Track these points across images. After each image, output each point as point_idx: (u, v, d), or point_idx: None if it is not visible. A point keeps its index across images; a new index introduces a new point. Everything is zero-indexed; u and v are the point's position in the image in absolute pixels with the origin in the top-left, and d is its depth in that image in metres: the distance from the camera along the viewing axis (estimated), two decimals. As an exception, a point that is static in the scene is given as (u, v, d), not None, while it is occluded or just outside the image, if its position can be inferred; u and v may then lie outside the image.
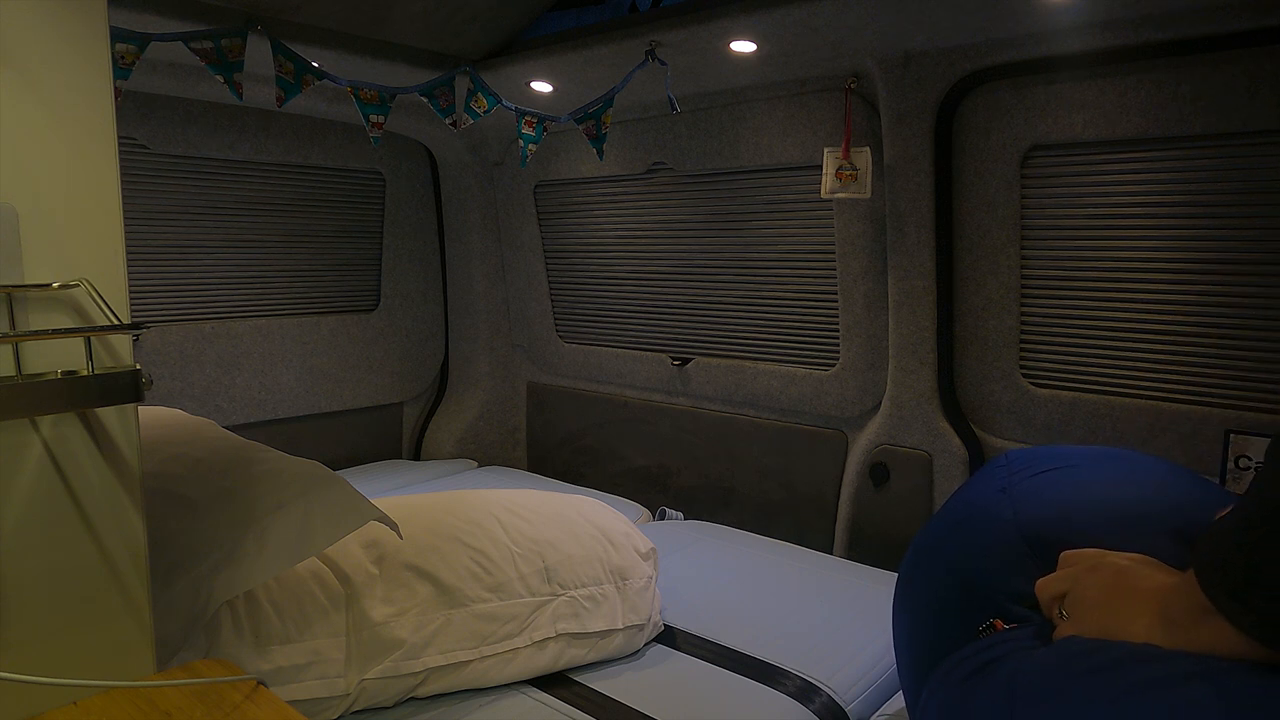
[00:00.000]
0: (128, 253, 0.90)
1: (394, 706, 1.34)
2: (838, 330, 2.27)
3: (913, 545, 1.14)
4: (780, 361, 2.43)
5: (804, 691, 1.44)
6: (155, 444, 1.50)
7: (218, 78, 1.79)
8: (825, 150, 2.04)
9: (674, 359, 2.65)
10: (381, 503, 1.49)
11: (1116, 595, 0.74)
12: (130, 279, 0.90)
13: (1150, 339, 1.80)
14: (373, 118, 1.95)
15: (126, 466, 0.90)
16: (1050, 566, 0.86)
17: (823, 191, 2.04)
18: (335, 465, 2.86)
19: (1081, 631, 0.75)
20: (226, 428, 1.95)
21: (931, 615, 1.02)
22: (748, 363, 2.49)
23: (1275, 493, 0.59)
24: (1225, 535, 0.63)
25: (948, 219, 2.00)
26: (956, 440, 2.05)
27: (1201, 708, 0.61)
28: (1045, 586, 0.82)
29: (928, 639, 1.01)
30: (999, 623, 0.85)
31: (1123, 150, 1.75)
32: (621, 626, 1.51)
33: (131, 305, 0.90)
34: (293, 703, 1.19)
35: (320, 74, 1.86)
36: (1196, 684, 0.62)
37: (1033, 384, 1.97)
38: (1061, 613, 0.78)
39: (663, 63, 1.95)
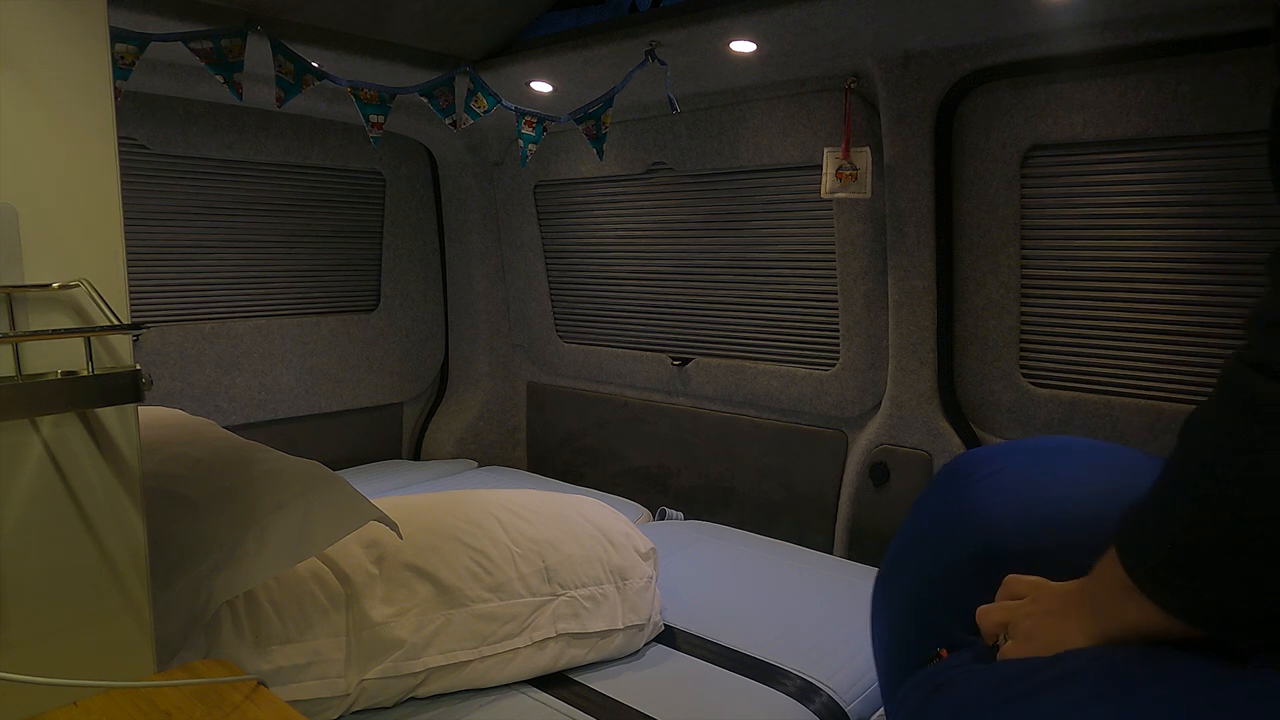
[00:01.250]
0: (128, 253, 0.90)
1: (394, 706, 1.34)
2: (838, 330, 2.27)
3: (882, 564, 1.15)
4: (780, 361, 2.43)
5: (804, 691, 1.44)
6: (155, 444, 1.50)
7: (218, 78, 1.79)
8: (825, 150, 2.04)
9: (674, 359, 2.65)
10: (381, 503, 1.48)
11: (1053, 617, 0.75)
12: (130, 279, 0.90)
13: (1150, 339, 1.80)
14: (373, 118, 1.95)
15: (126, 466, 0.90)
16: (996, 581, 0.88)
17: (823, 191, 2.04)
18: (335, 465, 2.86)
19: (1023, 654, 0.75)
20: (226, 428, 1.95)
21: (892, 640, 1.05)
22: (748, 363, 2.49)
23: (1192, 470, 0.59)
24: (1146, 515, 0.63)
25: (948, 219, 2.00)
26: (956, 440, 2.05)
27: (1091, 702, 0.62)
28: (986, 614, 0.82)
29: (892, 661, 1.04)
30: (944, 651, 0.86)
31: (1123, 150, 1.75)
32: (621, 626, 1.51)
33: (131, 305, 0.90)
34: (293, 703, 1.19)
35: (320, 74, 1.86)
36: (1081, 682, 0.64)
37: (1033, 384, 1.97)
38: (1004, 638, 0.79)
39: (663, 63, 1.95)
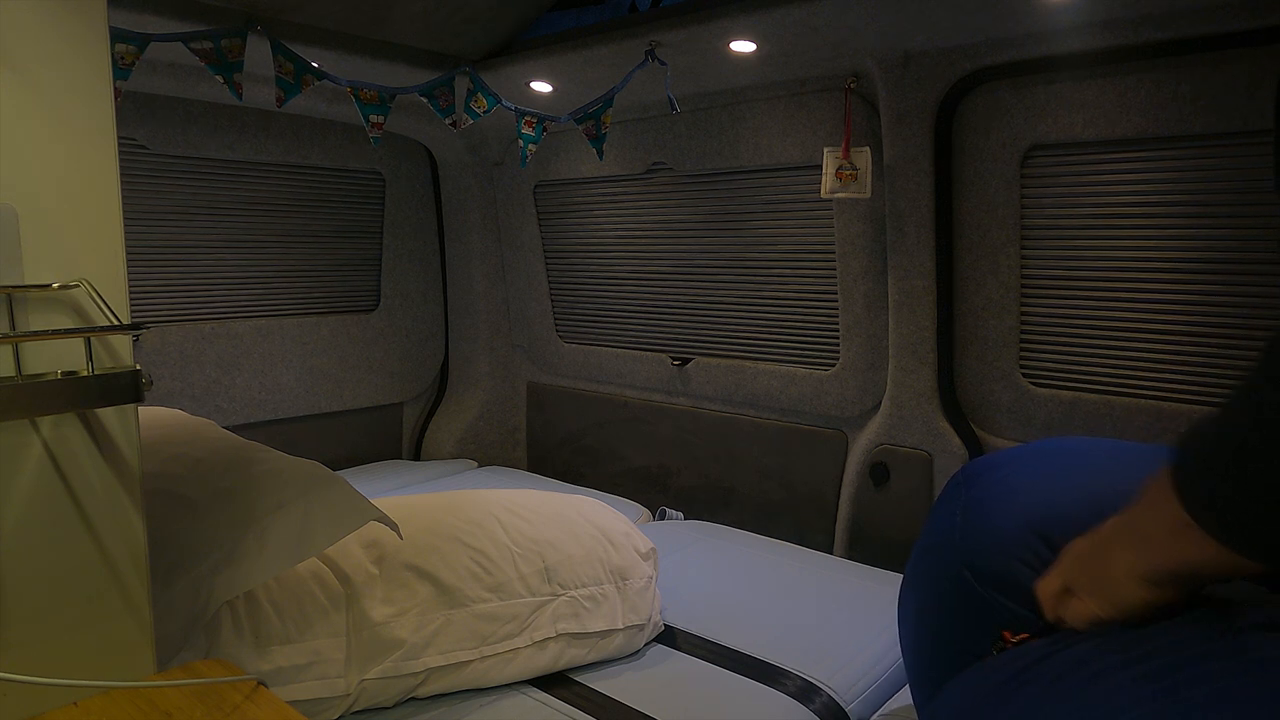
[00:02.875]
0: (128, 253, 0.89)
1: (394, 706, 1.34)
2: (838, 330, 2.27)
3: (903, 576, 1.16)
4: (780, 361, 2.43)
5: (804, 691, 1.44)
6: (155, 444, 1.50)
7: (218, 78, 1.79)
8: (825, 150, 2.04)
9: (674, 359, 2.65)
10: (381, 503, 1.48)
11: (1096, 560, 0.74)
12: (130, 279, 0.90)
13: (1151, 338, 1.80)
14: (373, 118, 1.95)
15: (126, 466, 0.90)
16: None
17: (823, 191, 2.04)
18: (335, 465, 2.86)
19: (1085, 607, 0.75)
20: (226, 428, 1.95)
21: (914, 653, 1.06)
22: (748, 363, 2.49)
23: (1260, 397, 0.56)
24: (1205, 447, 0.61)
25: (948, 219, 2.00)
26: (956, 440, 2.05)
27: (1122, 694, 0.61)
28: (1044, 588, 0.82)
29: (919, 675, 1.04)
30: (1007, 634, 0.86)
31: (1123, 150, 1.75)
32: (621, 626, 1.51)
33: (131, 305, 0.90)
34: (293, 703, 1.19)
35: (320, 74, 1.86)
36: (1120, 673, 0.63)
37: (1033, 384, 1.97)
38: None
39: (663, 63, 1.95)
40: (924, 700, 1.04)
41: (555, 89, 2.32)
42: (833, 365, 2.30)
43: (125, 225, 0.89)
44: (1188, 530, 0.61)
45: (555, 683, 1.44)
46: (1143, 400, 1.82)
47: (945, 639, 0.97)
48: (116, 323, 0.86)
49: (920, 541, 1.10)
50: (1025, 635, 0.84)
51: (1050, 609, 0.80)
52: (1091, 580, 0.74)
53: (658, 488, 2.77)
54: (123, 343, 0.89)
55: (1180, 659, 0.62)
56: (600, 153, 2.06)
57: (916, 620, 1.05)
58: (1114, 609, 0.72)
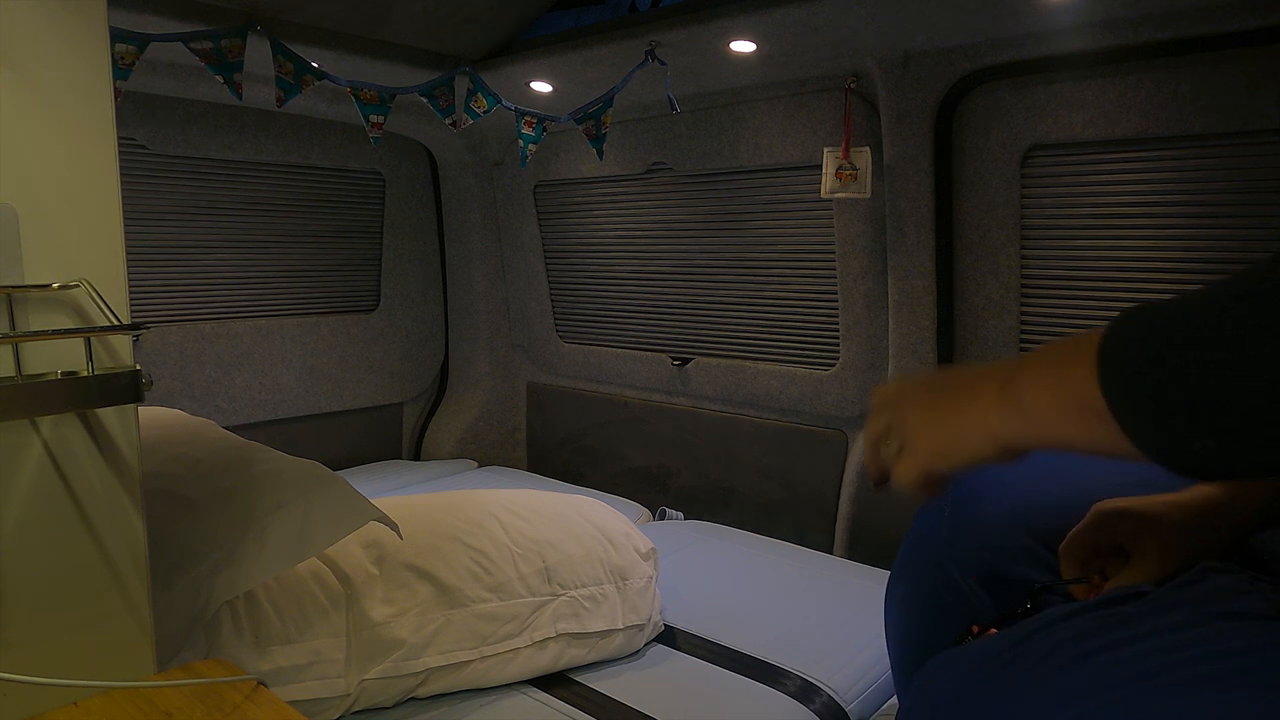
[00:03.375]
0: (128, 253, 0.89)
1: (394, 706, 1.34)
2: (838, 330, 2.27)
3: (890, 570, 1.16)
4: (780, 361, 2.43)
5: (804, 691, 1.44)
6: (155, 444, 1.50)
7: (217, 78, 1.79)
8: (825, 150, 2.04)
9: (674, 359, 2.65)
10: (381, 503, 1.48)
11: (948, 402, 0.66)
12: (130, 279, 0.90)
13: (1150, 339, 1.80)
14: (372, 118, 1.95)
15: (126, 467, 0.90)
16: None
17: (822, 191, 2.04)
18: (335, 465, 2.86)
19: (917, 461, 0.68)
20: (226, 428, 1.95)
21: (899, 646, 1.06)
22: (748, 363, 2.49)
23: (1234, 293, 0.48)
24: (1154, 330, 0.51)
25: (948, 219, 2.00)
26: (956, 440, 2.04)
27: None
28: (867, 435, 0.74)
29: (903, 670, 1.05)
30: (975, 628, 0.87)
31: (1123, 150, 1.75)
32: (621, 626, 1.51)
33: (131, 305, 0.90)
34: (293, 703, 1.19)
35: (320, 74, 1.86)
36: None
37: (1033, 384, 1.97)
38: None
39: (663, 63, 1.95)
40: (904, 688, 1.05)
41: (555, 89, 2.32)
42: (833, 365, 2.30)
43: (125, 225, 0.89)
44: (1084, 414, 0.53)
45: (555, 683, 1.44)
46: (1143, 400, 1.81)
47: (930, 630, 0.97)
48: (116, 323, 0.86)
49: (909, 533, 1.10)
50: (991, 629, 0.84)
51: (870, 454, 0.74)
52: (932, 423, 0.67)
53: (658, 488, 2.77)
54: (123, 343, 0.89)
55: (1162, 644, 0.63)
56: (600, 153, 2.06)
57: (901, 610, 1.06)
58: (942, 458, 0.66)
